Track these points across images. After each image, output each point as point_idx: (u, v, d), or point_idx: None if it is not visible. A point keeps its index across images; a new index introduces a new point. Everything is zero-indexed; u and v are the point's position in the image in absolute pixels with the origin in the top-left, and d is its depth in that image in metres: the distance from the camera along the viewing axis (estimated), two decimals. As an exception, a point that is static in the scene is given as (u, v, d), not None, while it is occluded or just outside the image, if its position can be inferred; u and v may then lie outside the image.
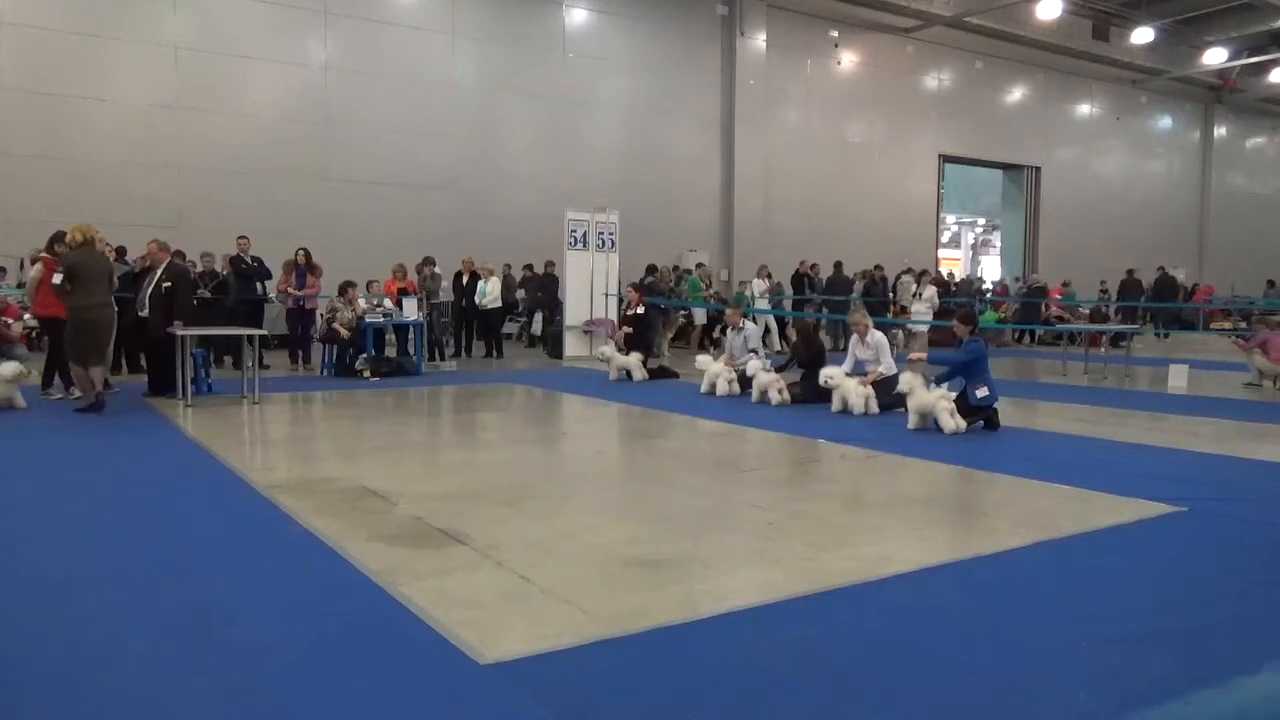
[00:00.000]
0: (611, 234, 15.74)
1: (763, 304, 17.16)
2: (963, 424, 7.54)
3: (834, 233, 21.85)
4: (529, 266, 17.41)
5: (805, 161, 22.23)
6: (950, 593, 3.68)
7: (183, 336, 8.90)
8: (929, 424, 7.70)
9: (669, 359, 14.25)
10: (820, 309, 17.79)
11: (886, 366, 8.91)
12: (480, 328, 15.43)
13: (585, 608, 3.41)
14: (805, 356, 9.88)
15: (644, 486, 5.87)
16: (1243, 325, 18.91)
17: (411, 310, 12.95)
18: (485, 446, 7.53)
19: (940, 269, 24.77)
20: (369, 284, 13.12)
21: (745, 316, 11.69)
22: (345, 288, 12.12)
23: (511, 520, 4.74)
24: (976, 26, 23.72)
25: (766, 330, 16.24)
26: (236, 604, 3.48)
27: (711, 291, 18.14)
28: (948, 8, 22.80)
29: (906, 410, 7.85)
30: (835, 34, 22.52)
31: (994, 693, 2.79)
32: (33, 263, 10.10)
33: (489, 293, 14.98)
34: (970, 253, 41.25)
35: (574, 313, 15.43)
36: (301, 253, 12.90)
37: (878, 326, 9.63)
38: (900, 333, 16.81)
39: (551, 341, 15.89)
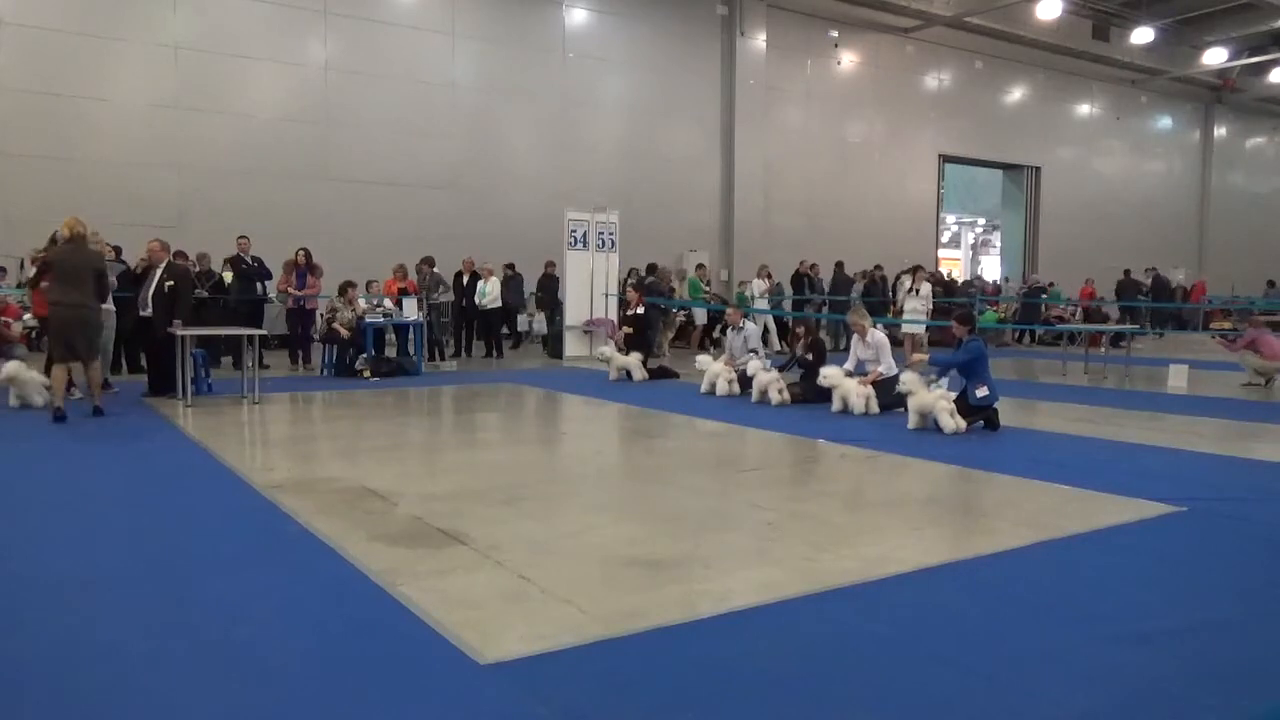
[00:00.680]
0: (611, 234, 15.74)
1: (762, 304, 17.14)
2: (963, 424, 7.55)
3: (834, 233, 21.86)
4: (510, 266, 16.48)
5: (805, 161, 22.23)
6: (950, 593, 3.68)
7: (183, 336, 8.91)
8: (929, 424, 7.71)
9: (669, 359, 14.26)
10: (821, 309, 17.77)
11: (887, 367, 8.91)
12: (480, 328, 15.44)
13: (585, 608, 3.41)
14: (807, 356, 9.88)
15: (644, 486, 5.87)
16: (1242, 325, 18.88)
17: (411, 310, 12.96)
18: (485, 446, 7.52)
19: (940, 268, 24.69)
20: (369, 284, 13.15)
21: (745, 316, 11.69)
22: (345, 288, 12.13)
23: (511, 520, 4.73)
24: (976, 26, 23.72)
25: (766, 330, 16.23)
26: (236, 604, 3.47)
27: (711, 293, 18.13)
28: (948, 8, 22.80)
29: (906, 410, 7.86)
30: (835, 34, 22.51)
31: (994, 693, 2.78)
32: (33, 263, 10.10)
33: (489, 293, 15.00)
34: (970, 253, 41.24)
35: (574, 313, 15.45)
36: (302, 253, 12.92)
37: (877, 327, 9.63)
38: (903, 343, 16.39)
39: (551, 341, 15.89)
